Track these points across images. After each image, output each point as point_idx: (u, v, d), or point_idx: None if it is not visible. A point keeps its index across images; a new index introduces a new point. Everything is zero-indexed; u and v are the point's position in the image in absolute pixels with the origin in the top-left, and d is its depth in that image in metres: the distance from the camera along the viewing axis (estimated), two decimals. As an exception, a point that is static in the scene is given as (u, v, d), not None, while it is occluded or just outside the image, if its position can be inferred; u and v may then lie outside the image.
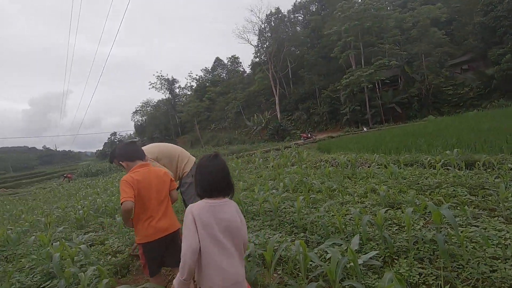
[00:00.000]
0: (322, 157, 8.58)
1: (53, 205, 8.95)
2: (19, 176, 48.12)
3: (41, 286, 2.85)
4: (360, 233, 2.68)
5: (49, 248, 3.38)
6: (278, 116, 33.85)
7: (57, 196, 13.28)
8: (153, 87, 51.75)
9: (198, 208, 1.44)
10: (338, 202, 4.05)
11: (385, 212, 3.09)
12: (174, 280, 1.43)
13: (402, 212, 3.19)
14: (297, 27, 39.92)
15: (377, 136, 13.00)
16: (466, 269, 2.06)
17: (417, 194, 3.85)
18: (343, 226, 3.04)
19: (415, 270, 2.12)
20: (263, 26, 36.48)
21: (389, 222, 3.07)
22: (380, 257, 2.38)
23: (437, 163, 5.03)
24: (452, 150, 5.68)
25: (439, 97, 24.72)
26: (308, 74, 34.05)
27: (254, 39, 42.54)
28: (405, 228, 2.64)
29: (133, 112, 66.16)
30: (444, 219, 2.49)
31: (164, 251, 2.15)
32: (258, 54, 40.15)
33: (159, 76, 51.72)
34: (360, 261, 2.09)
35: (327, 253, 2.43)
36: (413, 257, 2.27)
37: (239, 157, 14.93)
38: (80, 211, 5.65)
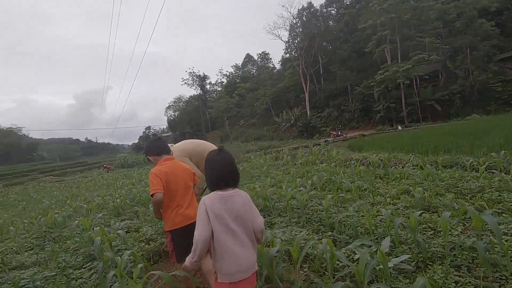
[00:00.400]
0: (353, 156, 8.33)
1: (94, 193, 9.64)
2: (64, 166, 52.41)
3: (83, 267, 3.10)
4: (392, 235, 2.58)
5: (90, 232, 3.66)
6: (308, 113, 33.28)
7: (97, 185, 14.27)
8: (185, 83, 53.28)
9: (210, 199, 1.55)
10: (368, 203, 3.92)
11: (419, 215, 2.94)
12: (186, 259, 1.60)
13: (439, 216, 3.01)
14: (330, 22, 38.79)
15: (413, 135, 12.32)
16: (510, 280, 1.91)
17: (456, 198, 3.61)
18: (373, 228, 2.94)
19: (451, 277, 2.00)
20: (294, 21, 35.94)
21: (424, 225, 2.91)
22: (412, 262, 2.28)
23: (481, 166, 4.66)
24: (499, 152, 5.23)
25: (485, 94, 22.69)
26: (340, 69, 33.03)
27: (285, 35, 42.17)
28: (441, 233, 2.49)
29: (166, 107, 68.66)
30: (486, 226, 2.32)
31: (190, 238, 2.25)
32: (289, 50, 39.69)
33: (191, 72, 53.10)
34: (390, 264, 2.02)
35: (355, 254, 2.37)
36: (449, 264, 2.14)
37: (267, 153, 14.96)
38: (117, 200, 6.03)
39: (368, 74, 29.07)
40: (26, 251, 4.02)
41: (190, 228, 2.20)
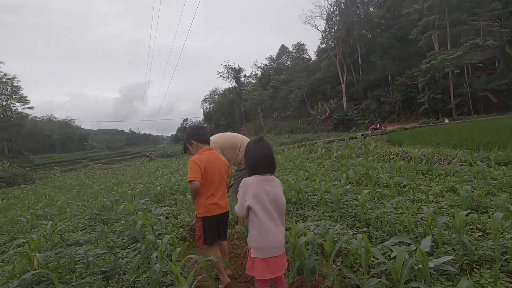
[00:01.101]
0: (392, 150, 7.92)
1: (137, 181, 10.34)
2: (111, 155, 56.85)
3: (128, 247, 3.38)
4: (433, 234, 2.44)
5: (134, 216, 3.96)
6: (344, 105, 32.12)
7: (139, 173, 15.28)
8: (220, 76, 54.28)
9: (251, 181, 1.75)
10: (408, 200, 3.73)
11: (466, 215, 2.73)
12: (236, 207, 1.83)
13: (489, 217, 2.77)
14: (370, 8, 36.64)
15: (461, 129, 11.33)
16: None
17: (510, 198, 3.28)
18: (413, 226, 2.80)
19: (501, 283, 1.85)
20: (331, 9, 34.58)
21: (470, 226, 2.70)
22: (456, 264, 2.14)
23: (543, 164, 4.17)
24: None
25: (552, 83, 20.05)
26: (381, 59, 31.20)
27: (322, 24, 40.85)
28: (491, 235, 2.30)
29: (202, 100, 70.80)
30: (547, 230, 2.09)
31: (219, 225, 2.41)
32: (325, 39, 38.41)
33: (226, 65, 53.90)
34: (431, 265, 1.91)
35: (392, 251, 2.29)
36: (500, 269, 1.97)
37: (301, 146, 14.79)
38: (157, 188, 6.42)
39: (412, 63, 27.14)
40: (80, 230, 4.47)
41: (220, 217, 2.38)
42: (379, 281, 1.88)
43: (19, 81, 46.19)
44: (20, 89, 46.50)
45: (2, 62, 44.62)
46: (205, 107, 70.49)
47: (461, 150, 6.27)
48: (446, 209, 3.24)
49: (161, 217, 3.57)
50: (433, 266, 1.95)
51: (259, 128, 44.46)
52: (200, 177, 2.27)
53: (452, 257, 2.05)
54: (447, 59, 21.72)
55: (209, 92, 68.98)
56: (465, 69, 22.85)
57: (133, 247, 3.34)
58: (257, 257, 1.69)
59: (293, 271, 2.25)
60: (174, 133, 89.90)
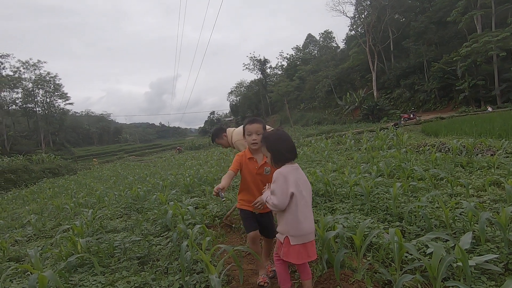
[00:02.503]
0: (427, 141, 7.48)
1: (167, 172, 10.77)
2: (143, 147, 59.62)
3: (161, 235, 3.54)
4: (475, 231, 2.29)
5: (166, 206, 4.13)
6: (375, 94, 30.77)
7: (170, 164, 15.88)
8: (246, 68, 54.32)
9: (286, 170, 1.77)
10: (446, 193, 3.52)
11: (512, 211, 2.51)
12: (264, 194, 1.89)
13: (540, 214, 2.53)
14: (404, -10, 34.36)
15: (507, 117, 10.39)
16: None
17: None
18: (451, 221, 2.64)
19: (553, 285, 1.69)
20: (361, -7, 32.92)
21: (518, 223, 2.49)
22: (500, 263, 1.99)
23: None
24: None
25: None
26: (415, 44, 29.30)
27: (351, 10, 39.09)
28: (543, 233, 2.10)
29: (228, 93, 71.40)
30: None
31: (254, 218, 2.30)
32: (354, 26, 36.84)
33: (251, 57, 53.73)
34: (471, 263, 1.80)
35: (428, 247, 2.18)
36: (552, 270, 1.81)
37: (329, 137, 14.47)
38: (187, 179, 6.63)
39: (450, 48, 25.25)
40: (117, 218, 4.77)
41: (257, 214, 2.32)
42: (413, 278, 1.80)
43: (60, 79, 49.65)
44: (61, 86, 50.00)
45: (45, 62, 47.98)
46: (231, 100, 71.11)
47: (507, 140, 5.77)
48: (489, 204, 3.02)
49: (190, 207, 3.68)
50: (474, 264, 1.83)
51: (285, 119, 44.10)
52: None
53: (496, 256, 1.91)
54: (491, 42, 19.90)
55: (235, 85, 69.39)
56: (512, 52, 20.82)
57: (165, 235, 3.49)
58: (297, 243, 1.74)
59: (322, 263, 2.23)
60: (202, 125, 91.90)
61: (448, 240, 2.18)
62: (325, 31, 52.39)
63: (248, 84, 64.83)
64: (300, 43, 56.77)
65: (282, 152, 1.81)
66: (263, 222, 2.32)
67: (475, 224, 2.51)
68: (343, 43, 48.21)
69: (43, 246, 3.55)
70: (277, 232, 1.87)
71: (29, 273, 2.69)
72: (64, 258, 2.89)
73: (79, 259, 2.85)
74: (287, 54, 55.53)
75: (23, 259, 3.42)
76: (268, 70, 57.27)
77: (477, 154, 5.35)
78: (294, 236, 1.74)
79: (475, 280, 1.84)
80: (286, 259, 1.80)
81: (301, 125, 36.43)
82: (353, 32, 38.28)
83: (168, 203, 4.26)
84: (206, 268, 2.13)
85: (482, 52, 20.86)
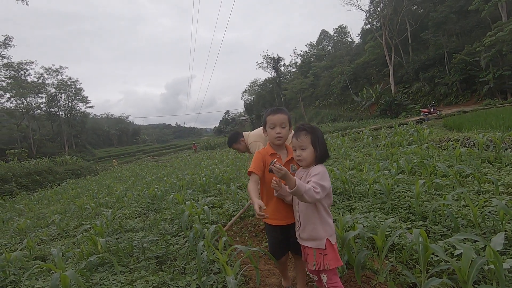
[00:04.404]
0: (450, 136, 7.16)
1: (184, 172, 10.91)
2: (160, 147, 60.88)
3: (178, 234, 3.57)
4: (506, 231, 2.14)
5: (182, 205, 4.16)
6: (392, 89, 29.84)
7: (186, 164, 16.10)
8: (260, 66, 54.06)
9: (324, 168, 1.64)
10: (473, 191, 3.33)
11: (548, 209, 2.33)
12: (308, 186, 1.49)
13: None
14: (421, -20, 33.12)
15: (538, 109, 9.80)
16: None
17: None
18: (479, 220, 2.49)
19: None
20: (376, -14, 32.04)
21: (555, 222, 2.31)
22: (537, 265, 1.84)
23: None
24: None
25: None
26: (434, 36, 28.14)
27: (365, 4, 38.09)
28: None
29: (243, 92, 71.57)
30: None
31: (285, 233, 1.89)
32: (370, 20, 35.88)
33: (265, 55, 53.46)
34: (506, 266, 1.68)
35: (455, 249, 2.05)
36: None
37: (345, 134, 14.18)
38: (203, 178, 6.67)
39: (472, 38, 24.09)
40: (135, 217, 4.86)
41: (286, 228, 1.98)
42: (441, 281, 1.70)
43: (81, 83, 51.64)
44: (82, 90, 51.94)
45: (66, 67, 50.07)
46: (245, 99, 71.23)
47: (538, 133, 5.42)
48: (522, 202, 2.82)
49: (205, 207, 3.67)
50: (508, 267, 1.70)
51: (299, 117, 43.69)
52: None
53: (532, 258, 1.77)
54: (518, 29, 18.79)
55: (249, 83, 69.45)
56: (541, 39, 19.57)
57: (182, 234, 3.52)
58: (334, 243, 1.65)
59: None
60: (217, 125, 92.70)
61: (478, 241, 2.05)
62: (339, 26, 51.51)
63: (262, 82, 64.68)
64: (314, 39, 56.19)
65: (327, 150, 1.69)
66: (292, 235, 1.82)
67: (506, 224, 2.35)
68: (358, 38, 47.13)
69: (66, 245, 3.66)
70: (312, 240, 1.62)
71: (52, 271, 2.78)
72: (85, 257, 2.96)
73: (99, 259, 2.91)
74: (301, 51, 55.08)
75: (48, 258, 3.54)
76: (282, 68, 56.84)
77: (505, 149, 5.05)
78: (333, 234, 1.65)
79: (510, 285, 1.71)
80: (338, 264, 1.62)
81: (316, 122, 35.95)
82: (369, 26, 37.32)
83: (185, 202, 4.28)
84: (222, 268, 2.11)
85: (508, 41, 19.73)
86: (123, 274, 2.63)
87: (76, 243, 3.79)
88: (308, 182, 1.55)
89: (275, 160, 1.49)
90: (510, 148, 5.14)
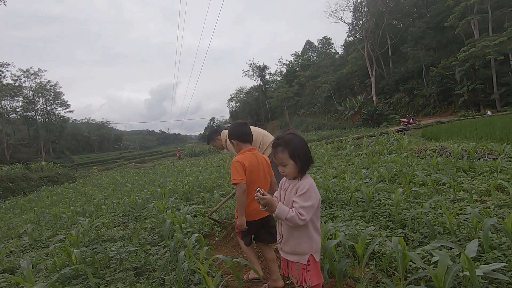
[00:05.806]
0: (428, 146, 7.43)
1: (167, 179, 10.68)
2: (143, 154, 59.55)
3: (158, 244, 3.46)
4: (480, 238, 2.22)
5: (164, 214, 4.06)
6: (374, 99, 30.83)
7: (169, 171, 15.79)
8: (245, 74, 54.59)
9: (311, 180, 1.58)
10: (449, 199, 3.45)
11: (518, 217, 2.45)
12: (291, 213, 1.45)
13: (546, 219, 2.47)
14: (401, -4, 34.74)
15: (508, 121, 10.38)
16: None
17: None
18: (455, 228, 2.57)
19: None
20: (359, 0, 33.29)
21: (524, 229, 2.42)
22: (508, 271, 1.92)
23: None
24: None
25: None
26: (413, 49, 29.46)
27: (348, 17, 39.45)
28: (551, 240, 2.03)
29: (228, 99, 71.69)
30: None
31: (258, 229, 2.27)
32: (353, 32, 37.11)
33: (251, 64, 54.05)
34: (479, 272, 1.73)
35: (432, 256, 2.11)
36: (562, 279, 1.73)
37: (329, 143, 14.42)
38: (186, 186, 6.55)
39: (448, 53, 25.38)
40: (114, 227, 4.68)
41: (261, 221, 2.22)
42: (418, 288, 1.73)
43: (60, 87, 49.91)
44: (62, 94, 50.21)
45: (45, 70, 48.44)
46: (231, 106, 71.34)
47: (508, 144, 5.72)
48: (494, 209, 2.95)
49: (188, 216, 3.60)
50: (481, 273, 1.76)
51: (284, 125, 44.09)
52: (245, 179, 2.06)
53: (503, 264, 1.84)
54: (489, 46, 20.00)
55: (235, 91, 69.69)
56: (510, 56, 20.89)
57: (163, 244, 3.41)
58: (318, 260, 1.60)
59: (324, 273, 2.16)
60: (202, 132, 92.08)
61: (453, 248, 2.12)
62: (323, 37, 52.84)
63: (247, 90, 65.11)
64: (299, 49, 57.30)
65: (310, 157, 1.56)
66: (265, 227, 2.24)
67: (480, 231, 2.44)
68: (342, 49, 48.55)
69: (38, 256, 3.47)
70: (294, 255, 1.60)
71: (21, 285, 2.61)
72: (58, 269, 2.82)
73: (73, 271, 2.77)
74: (286, 60, 55.99)
75: (17, 270, 3.34)
76: (268, 77, 57.57)
77: (479, 159, 5.29)
78: (318, 251, 1.59)
79: (483, 290, 1.77)
80: (320, 281, 1.58)
81: (301, 130, 36.37)
82: (352, 38, 38.60)
83: (166, 211, 4.18)
84: (203, 279, 2.06)
85: (480, 57, 20.95)
86: (98, 287, 2.52)
87: (49, 254, 3.60)
88: (293, 202, 1.52)
89: (258, 188, 1.51)
90: (482, 157, 5.38)
